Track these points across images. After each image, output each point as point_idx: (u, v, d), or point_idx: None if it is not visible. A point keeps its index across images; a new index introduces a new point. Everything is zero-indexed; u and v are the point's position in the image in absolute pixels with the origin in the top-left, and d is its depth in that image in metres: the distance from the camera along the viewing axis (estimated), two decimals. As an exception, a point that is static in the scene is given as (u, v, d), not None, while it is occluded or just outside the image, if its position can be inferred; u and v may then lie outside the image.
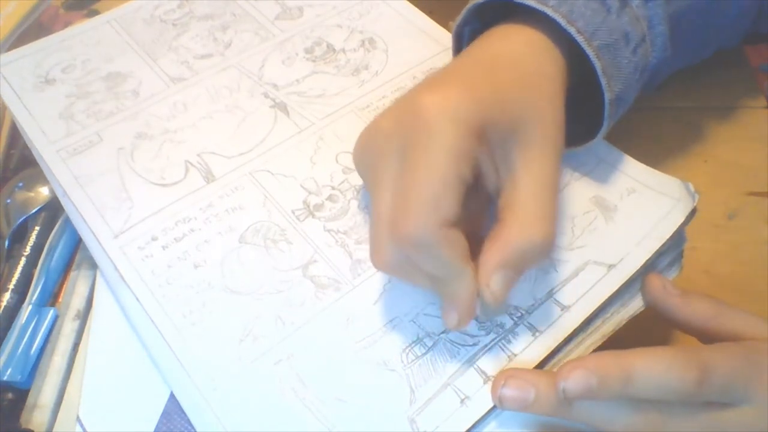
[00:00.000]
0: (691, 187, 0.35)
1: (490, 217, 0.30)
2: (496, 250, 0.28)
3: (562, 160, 0.35)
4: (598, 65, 0.31)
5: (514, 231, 0.28)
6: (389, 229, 0.27)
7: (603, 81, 0.32)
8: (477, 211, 0.30)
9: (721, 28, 0.41)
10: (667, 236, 0.34)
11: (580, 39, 0.31)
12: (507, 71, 0.30)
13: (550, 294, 0.32)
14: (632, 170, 0.37)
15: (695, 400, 0.27)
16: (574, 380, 0.27)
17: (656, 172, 0.36)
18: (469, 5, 0.35)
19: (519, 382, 0.28)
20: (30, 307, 0.35)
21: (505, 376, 0.28)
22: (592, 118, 0.34)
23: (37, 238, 0.38)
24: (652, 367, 0.27)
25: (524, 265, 0.28)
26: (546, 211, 0.28)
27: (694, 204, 0.34)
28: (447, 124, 0.26)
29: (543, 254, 0.28)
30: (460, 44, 0.38)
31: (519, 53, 0.31)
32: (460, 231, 0.27)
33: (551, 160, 0.29)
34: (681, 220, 0.34)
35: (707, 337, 0.30)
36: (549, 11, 0.31)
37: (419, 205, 0.26)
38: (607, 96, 0.32)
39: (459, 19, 0.36)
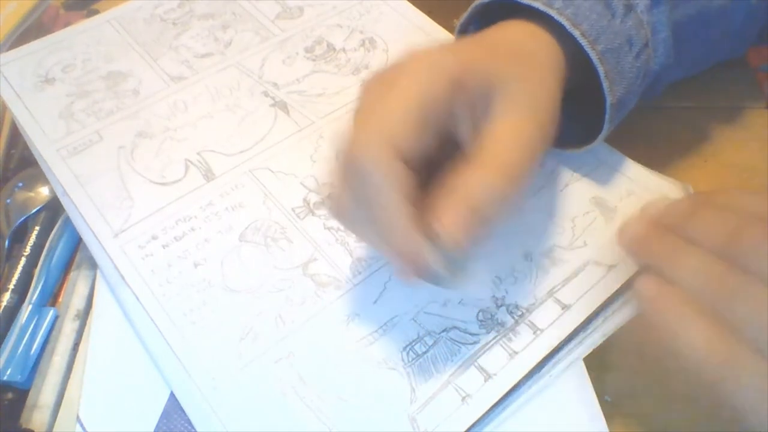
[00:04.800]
0: (690, 190, 0.35)
1: None
2: (452, 186, 0.27)
3: (563, 162, 0.35)
4: (601, 69, 0.32)
5: (471, 170, 0.27)
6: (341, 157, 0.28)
7: (605, 84, 0.32)
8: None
9: (724, 38, 0.40)
10: None
11: (584, 42, 0.31)
12: (503, 49, 0.30)
13: (551, 293, 0.32)
14: (632, 172, 0.37)
15: None
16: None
17: (655, 174, 0.36)
18: (474, 3, 0.35)
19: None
20: (30, 307, 0.35)
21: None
22: (593, 120, 0.34)
23: (37, 238, 0.38)
24: None
25: (479, 207, 0.27)
26: (510, 158, 0.28)
27: None
28: (423, 69, 0.27)
29: (498, 199, 0.27)
30: None
31: (518, 40, 0.31)
32: (414, 174, 0.27)
33: (530, 123, 0.29)
34: None
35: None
36: (554, 13, 0.31)
37: (372, 131, 0.26)
38: (609, 100, 0.32)
39: (464, 17, 0.36)
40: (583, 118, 0.34)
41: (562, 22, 0.31)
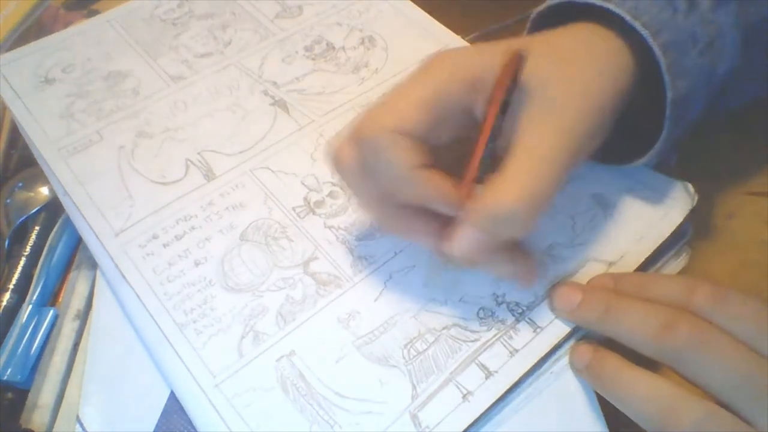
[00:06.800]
0: (690, 188, 0.35)
1: None
2: (469, 207, 0.27)
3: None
4: (663, 61, 0.29)
5: (489, 192, 0.27)
6: (351, 128, 0.29)
7: (667, 78, 0.29)
8: None
9: None
10: (666, 235, 0.34)
11: (645, 33, 0.29)
12: (554, 48, 0.29)
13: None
14: (632, 170, 0.36)
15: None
16: (559, 296, 0.31)
17: (656, 173, 0.36)
18: (548, 3, 0.33)
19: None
20: (30, 307, 0.35)
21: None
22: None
23: (37, 238, 0.38)
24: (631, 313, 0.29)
25: (492, 229, 0.27)
26: (527, 181, 0.26)
27: (693, 205, 0.34)
28: (443, 68, 0.29)
29: (513, 224, 0.27)
30: None
31: (581, 39, 0.30)
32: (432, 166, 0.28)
33: (557, 136, 0.27)
34: (679, 220, 0.34)
35: None
36: (612, 6, 0.30)
37: (383, 111, 0.28)
38: (670, 95, 0.30)
39: (535, 12, 0.34)
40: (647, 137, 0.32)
41: (623, 15, 0.29)
